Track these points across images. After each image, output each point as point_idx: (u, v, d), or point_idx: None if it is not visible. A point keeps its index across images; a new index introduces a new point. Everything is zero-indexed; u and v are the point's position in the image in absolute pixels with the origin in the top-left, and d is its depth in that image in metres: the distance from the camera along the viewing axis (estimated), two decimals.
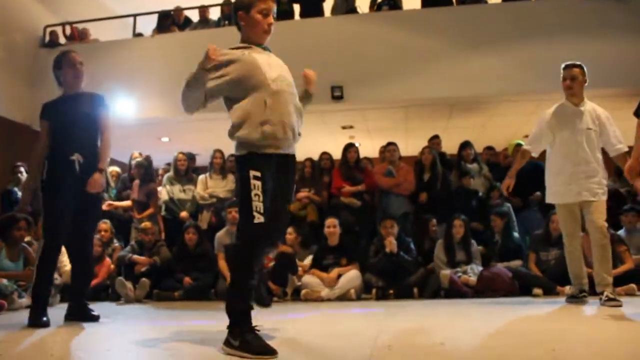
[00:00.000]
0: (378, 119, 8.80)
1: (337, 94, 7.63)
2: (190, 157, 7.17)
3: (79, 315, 3.62)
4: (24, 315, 3.50)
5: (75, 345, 2.79)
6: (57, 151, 3.57)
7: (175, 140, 9.43)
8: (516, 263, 5.43)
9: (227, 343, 2.32)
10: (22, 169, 6.84)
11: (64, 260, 4.95)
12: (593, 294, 4.17)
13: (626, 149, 4.15)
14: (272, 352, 2.21)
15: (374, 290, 5.27)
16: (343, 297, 5.19)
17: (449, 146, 7.43)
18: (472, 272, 5.24)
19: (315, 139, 9.00)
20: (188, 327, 3.42)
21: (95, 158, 3.63)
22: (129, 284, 5.37)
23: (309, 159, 6.61)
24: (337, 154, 6.86)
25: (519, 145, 6.65)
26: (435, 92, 7.63)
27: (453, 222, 5.50)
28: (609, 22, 7.09)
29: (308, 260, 5.69)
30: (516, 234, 5.79)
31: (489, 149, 7.45)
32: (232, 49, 2.58)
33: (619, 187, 6.20)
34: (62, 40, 9.20)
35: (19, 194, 6.42)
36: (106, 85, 6.78)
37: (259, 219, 2.36)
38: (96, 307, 3.80)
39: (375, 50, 7.66)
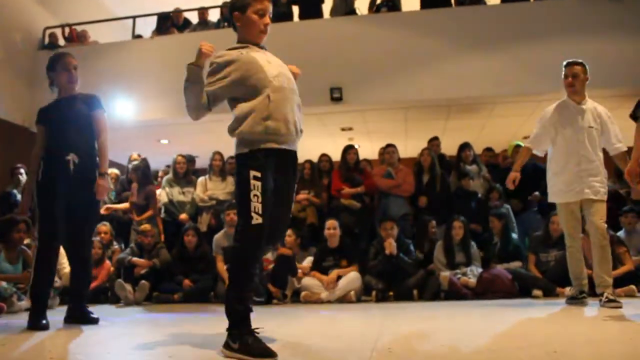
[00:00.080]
0: (377, 120, 8.80)
1: (336, 96, 7.63)
2: (190, 160, 7.17)
3: (79, 318, 3.61)
4: (23, 318, 3.49)
5: (75, 348, 2.78)
6: (52, 152, 3.57)
7: (175, 142, 9.43)
8: (516, 264, 5.43)
9: (226, 346, 2.31)
10: (22, 170, 6.83)
11: (64, 263, 4.95)
12: (593, 295, 4.17)
13: (625, 149, 4.15)
14: (272, 354, 2.20)
15: (373, 292, 5.27)
16: (343, 299, 5.19)
17: (448, 147, 7.44)
18: (471, 274, 5.24)
19: (315, 141, 9.00)
20: (187, 329, 3.42)
21: (90, 159, 3.64)
22: (128, 287, 5.37)
23: (309, 161, 6.60)
24: (336, 156, 6.87)
25: (518, 146, 6.65)
26: (435, 94, 7.63)
27: (452, 223, 5.50)
28: (608, 22, 7.09)
29: (307, 262, 5.69)
30: (515, 235, 5.79)
31: (488, 150, 7.46)
32: (230, 49, 2.58)
33: (618, 188, 6.21)
34: (61, 42, 9.20)
35: (18, 196, 6.41)
36: (105, 87, 6.79)
37: (257, 219, 2.35)
38: (95, 310, 3.80)
39: (374, 52, 7.67)
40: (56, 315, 3.72)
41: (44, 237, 3.46)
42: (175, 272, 5.70)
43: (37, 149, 3.63)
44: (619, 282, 4.51)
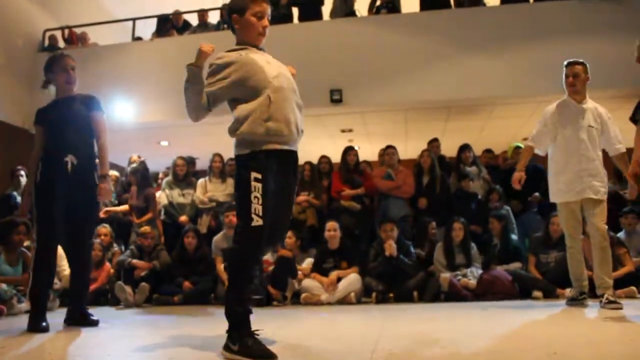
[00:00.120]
0: (377, 122, 8.80)
1: (336, 97, 7.63)
2: (191, 161, 7.17)
3: (79, 319, 3.60)
4: (23, 320, 3.49)
5: (75, 350, 2.78)
6: (50, 153, 3.56)
7: (175, 144, 9.43)
8: (515, 265, 5.42)
9: (226, 348, 2.31)
10: (22, 172, 6.83)
11: (63, 265, 4.94)
12: (593, 297, 4.17)
13: (625, 150, 4.16)
14: (272, 356, 2.20)
15: (374, 294, 5.26)
16: (343, 301, 5.19)
17: (448, 149, 7.44)
18: (471, 275, 5.24)
19: (314, 143, 9.00)
20: (187, 331, 3.41)
21: (89, 160, 3.63)
22: (128, 289, 5.36)
23: (308, 163, 6.60)
24: (336, 158, 6.87)
25: (518, 147, 6.67)
26: (435, 95, 7.63)
27: (452, 225, 5.49)
28: (607, 23, 7.09)
29: (306, 263, 5.69)
30: (514, 237, 5.79)
31: (488, 151, 7.47)
32: (229, 51, 2.58)
33: (618, 189, 6.20)
34: (61, 44, 9.21)
35: (18, 198, 6.41)
36: (105, 89, 6.79)
37: (257, 221, 2.35)
38: (95, 312, 3.79)
39: (374, 54, 7.67)
40: (56, 317, 3.71)
41: (42, 237, 3.46)
42: (175, 274, 5.70)
43: (36, 150, 3.62)
44: (619, 283, 4.51)
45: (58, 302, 4.94)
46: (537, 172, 5.70)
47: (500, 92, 7.52)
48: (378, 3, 8.31)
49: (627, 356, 2.32)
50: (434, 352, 2.39)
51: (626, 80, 6.85)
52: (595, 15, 7.23)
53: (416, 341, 2.74)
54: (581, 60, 4.23)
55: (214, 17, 9.30)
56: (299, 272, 5.51)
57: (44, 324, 3.34)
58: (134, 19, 9.51)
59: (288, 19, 8.46)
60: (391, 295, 5.26)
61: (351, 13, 8.42)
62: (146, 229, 5.88)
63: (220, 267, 5.56)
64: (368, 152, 9.24)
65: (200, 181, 6.57)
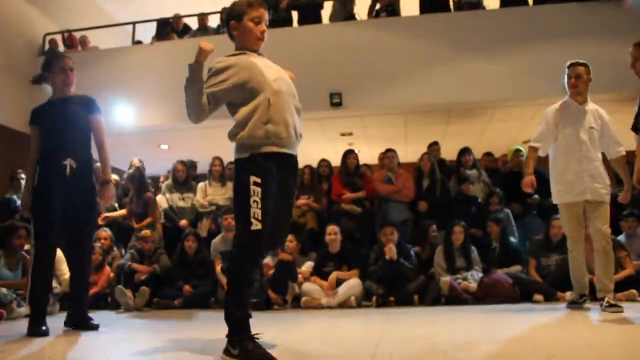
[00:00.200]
0: (377, 125, 8.81)
1: (335, 101, 7.64)
2: (191, 165, 7.18)
3: (79, 321, 3.60)
4: (23, 324, 3.48)
5: (74, 355, 2.78)
6: (48, 156, 3.55)
7: (175, 147, 9.44)
8: (516, 268, 5.41)
9: (226, 352, 2.30)
10: (22, 175, 6.83)
11: (63, 269, 4.94)
12: (593, 300, 4.16)
13: (625, 153, 4.16)
14: None
15: (374, 298, 5.25)
16: (343, 305, 5.18)
17: (448, 152, 7.44)
18: (472, 279, 5.23)
19: (314, 146, 9.01)
20: (188, 335, 3.41)
21: (87, 163, 3.63)
22: (128, 293, 5.35)
23: (308, 166, 6.60)
24: (335, 161, 6.87)
25: (518, 150, 6.66)
26: (434, 98, 7.65)
27: (453, 228, 5.48)
28: (607, 26, 7.10)
29: (306, 267, 5.68)
30: (514, 239, 5.78)
31: (488, 154, 7.45)
32: (228, 56, 2.58)
33: (618, 192, 6.19)
34: (61, 48, 9.22)
35: (18, 202, 6.41)
36: (105, 93, 6.81)
37: (256, 225, 2.34)
38: (95, 316, 3.79)
39: (373, 57, 7.68)
40: (56, 321, 3.71)
41: (40, 240, 3.45)
42: (175, 277, 5.69)
43: (33, 151, 3.60)
44: (619, 286, 4.50)
45: (58, 306, 4.94)
46: (537, 175, 5.69)
47: (500, 95, 7.52)
48: (377, 6, 8.32)
49: (627, 359, 2.32)
50: (434, 356, 2.38)
51: (626, 83, 6.82)
52: (594, 19, 7.25)
53: (416, 345, 2.73)
54: (583, 62, 4.23)
55: (214, 21, 9.32)
56: (299, 276, 5.50)
57: (43, 328, 3.33)
58: (134, 23, 9.52)
59: (288, 22, 8.47)
60: (391, 298, 5.25)
61: (351, 16, 8.43)
62: (146, 232, 5.87)
63: (219, 269, 5.57)
64: (368, 155, 9.24)
65: (200, 185, 6.57)
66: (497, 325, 3.59)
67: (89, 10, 10.35)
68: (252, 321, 2.39)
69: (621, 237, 5.51)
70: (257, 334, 2.37)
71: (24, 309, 4.48)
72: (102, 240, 5.99)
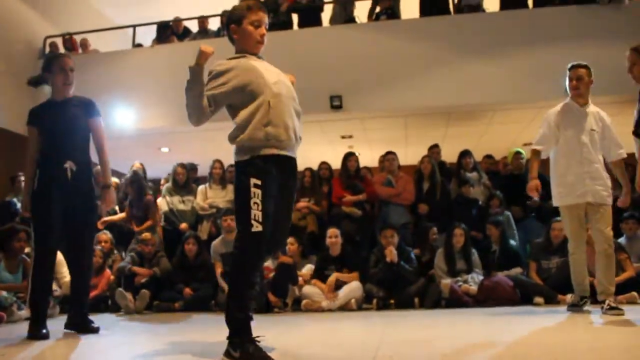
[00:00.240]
0: (377, 128, 8.81)
1: (336, 104, 7.65)
2: (192, 168, 7.18)
3: (79, 324, 3.59)
4: (23, 328, 3.48)
5: (75, 358, 2.78)
6: (48, 158, 3.53)
7: (175, 150, 9.44)
8: (516, 271, 5.41)
9: (227, 354, 2.30)
10: (22, 178, 6.83)
11: (64, 272, 4.94)
12: (594, 302, 4.16)
13: (625, 155, 4.16)
14: None
15: (374, 300, 5.25)
16: (344, 308, 5.17)
17: (449, 155, 7.44)
18: (472, 282, 5.22)
19: (314, 149, 9.01)
20: (188, 338, 3.41)
21: (87, 166, 3.63)
22: (129, 295, 5.35)
23: (309, 169, 6.60)
24: (336, 164, 6.87)
25: (518, 153, 6.66)
26: (435, 101, 7.64)
27: (453, 231, 5.48)
28: (607, 28, 7.10)
29: (307, 269, 5.68)
30: (513, 242, 5.77)
31: (489, 157, 7.46)
32: (228, 59, 2.59)
33: (618, 194, 6.19)
34: (62, 51, 9.22)
35: (19, 205, 6.42)
36: (106, 96, 6.81)
37: (257, 227, 2.35)
38: (96, 319, 3.78)
39: (374, 60, 7.69)
40: (56, 324, 3.70)
41: (40, 243, 3.45)
42: (175, 280, 5.69)
43: (31, 152, 3.58)
44: (620, 288, 4.49)
45: (58, 309, 4.94)
46: (539, 178, 5.69)
47: (500, 98, 7.52)
48: (378, 9, 8.33)
49: None
50: (434, 358, 2.38)
51: (626, 85, 6.83)
52: (594, 21, 7.25)
53: (417, 348, 2.73)
54: (585, 64, 4.23)
55: (214, 24, 9.33)
56: (300, 279, 5.50)
57: (44, 331, 3.33)
58: (134, 26, 9.55)
59: (288, 25, 8.47)
60: (392, 301, 5.25)
61: (351, 19, 8.45)
62: (147, 235, 5.88)
63: (219, 272, 5.57)
64: (368, 158, 9.24)
65: (201, 188, 6.58)
66: (498, 328, 3.59)
67: (89, 14, 10.37)
68: (252, 324, 2.39)
69: (621, 240, 5.50)
70: (258, 336, 2.37)
71: (24, 312, 4.48)
72: (103, 243, 5.99)
